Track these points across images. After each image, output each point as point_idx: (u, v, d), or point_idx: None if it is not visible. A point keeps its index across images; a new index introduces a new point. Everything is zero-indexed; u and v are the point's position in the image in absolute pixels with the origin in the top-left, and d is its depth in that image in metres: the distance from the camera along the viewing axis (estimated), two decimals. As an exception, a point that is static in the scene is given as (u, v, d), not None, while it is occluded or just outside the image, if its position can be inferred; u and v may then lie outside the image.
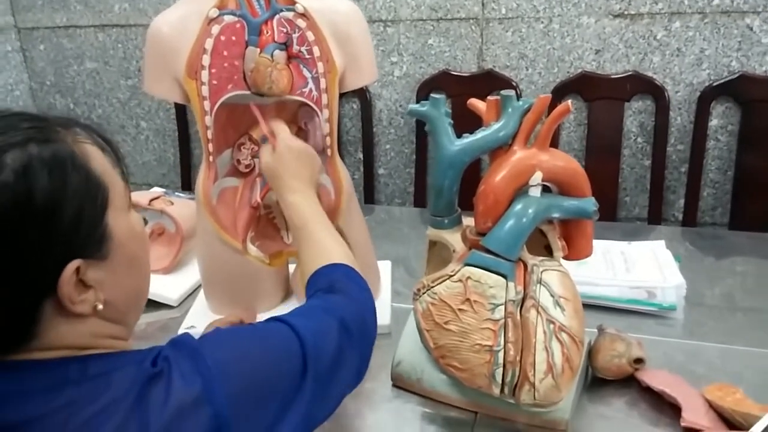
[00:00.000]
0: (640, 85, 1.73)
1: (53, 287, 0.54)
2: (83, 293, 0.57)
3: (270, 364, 0.62)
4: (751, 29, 1.64)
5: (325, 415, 0.67)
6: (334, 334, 0.69)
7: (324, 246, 0.86)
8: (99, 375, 0.56)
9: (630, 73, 1.73)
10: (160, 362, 0.57)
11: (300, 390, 0.62)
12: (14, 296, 0.53)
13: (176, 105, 2.14)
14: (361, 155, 2.01)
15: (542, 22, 1.77)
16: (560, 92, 1.76)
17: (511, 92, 0.89)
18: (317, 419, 0.66)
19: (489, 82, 1.80)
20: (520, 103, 0.88)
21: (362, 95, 1.93)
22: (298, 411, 0.62)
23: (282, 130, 1.00)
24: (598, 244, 0.96)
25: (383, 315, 1.17)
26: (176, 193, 1.49)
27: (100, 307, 0.58)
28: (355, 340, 0.71)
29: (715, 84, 1.68)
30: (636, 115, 1.78)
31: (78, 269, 0.55)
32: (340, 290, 0.77)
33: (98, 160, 0.59)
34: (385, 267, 1.31)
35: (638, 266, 1.25)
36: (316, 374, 0.64)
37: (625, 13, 1.71)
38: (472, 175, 0.93)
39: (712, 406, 0.89)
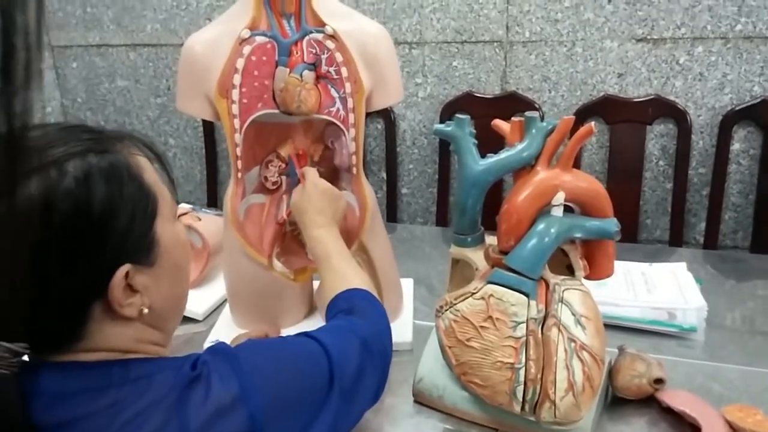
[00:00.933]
0: (663, 108, 1.74)
1: (104, 290, 0.57)
2: (131, 297, 0.60)
3: (301, 375, 0.65)
4: (774, 54, 1.65)
5: (348, 427, 0.70)
6: (356, 352, 0.72)
7: (344, 274, 0.91)
8: (140, 378, 0.58)
9: (652, 96, 1.74)
10: (199, 366, 0.60)
11: (327, 402, 0.66)
12: (68, 297, 0.56)
13: (204, 123, 2.18)
14: (384, 174, 2.03)
15: (566, 46, 1.79)
16: (583, 115, 1.77)
17: (535, 113, 0.91)
18: (342, 431, 0.68)
19: (512, 104, 1.82)
20: (544, 124, 0.90)
21: (386, 115, 1.96)
22: (324, 422, 0.65)
23: (311, 172, 1.06)
24: (619, 265, 0.97)
25: (405, 331, 1.18)
26: (203, 209, 1.52)
27: (146, 311, 0.61)
28: (375, 359, 0.75)
29: (737, 108, 1.69)
30: (658, 138, 1.79)
31: (127, 274, 0.58)
32: (359, 312, 0.81)
33: (149, 172, 0.63)
34: (407, 284, 1.32)
35: (659, 287, 1.25)
36: (342, 388, 0.67)
37: (648, 37, 1.72)
38: (494, 194, 0.94)
39: (732, 427, 0.89)
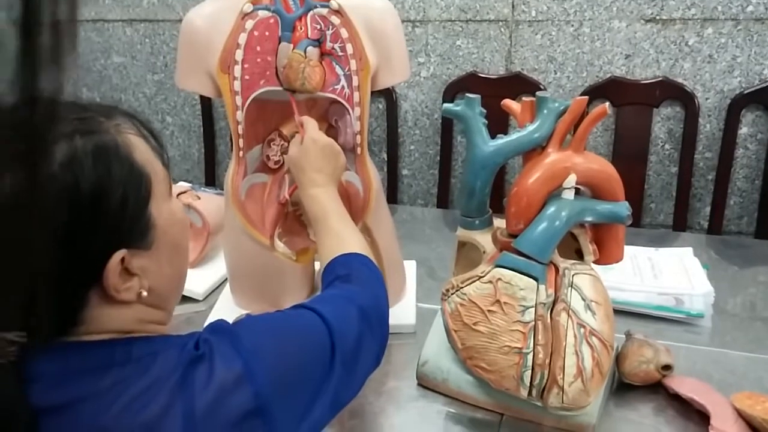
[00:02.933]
0: (670, 91, 1.71)
1: (99, 277, 0.55)
2: (128, 281, 0.58)
3: (303, 349, 0.64)
4: (785, 37, 1.62)
5: (350, 397, 0.69)
6: (354, 320, 0.71)
7: (342, 237, 0.88)
8: (143, 357, 0.57)
9: (660, 78, 1.71)
10: (201, 345, 0.59)
11: (330, 374, 0.65)
12: (62, 286, 0.54)
13: (202, 101, 2.15)
14: (385, 155, 2.00)
15: (572, 26, 1.76)
16: (589, 96, 1.71)
17: (547, 93, 0.89)
18: (343, 401, 0.68)
19: (517, 84, 1.79)
20: (556, 104, 0.88)
21: (388, 95, 1.93)
22: (328, 394, 0.64)
23: (311, 124, 1.00)
24: (625, 250, 0.95)
25: (408, 314, 1.17)
26: (203, 188, 1.50)
27: (145, 294, 0.59)
28: (374, 326, 0.74)
29: (746, 92, 1.66)
30: (665, 121, 1.76)
31: (123, 258, 0.56)
32: (356, 279, 0.79)
33: (141, 150, 0.59)
34: (410, 267, 1.31)
35: (666, 273, 1.24)
36: (343, 358, 0.66)
37: (657, 18, 1.69)
38: (497, 177, 0.92)
39: (741, 415, 0.88)
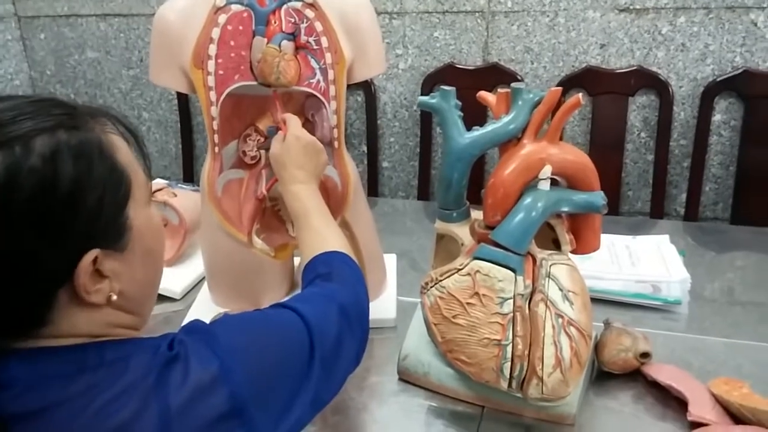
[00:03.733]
0: (645, 79, 1.72)
1: (70, 275, 0.54)
2: (99, 283, 0.57)
3: (281, 349, 0.64)
4: (756, 25, 1.64)
5: (330, 396, 0.69)
6: (334, 319, 0.71)
7: (322, 234, 0.88)
8: (116, 360, 0.56)
9: (634, 67, 1.73)
10: (176, 346, 0.58)
11: (309, 373, 0.65)
12: (31, 282, 0.53)
13: (178, 96, 2.12)
14: (365, 148, 2.00)
15: (548, 16, 1.76)
16: (565, 86, 1.75)
17: (522, 84, 0.89)
18: (324, 401, 0.68)
19: (494, 75, 1.79)
20: (531, 95, 0.88)
21: (367, 88, 1.92)
22: (307, 393, 0.64)
23: (294, 121, 1.00)
24: (603, 238, 0.96)
25: (389, 308, 1.17)
26: (179, 185, 1.48)
27: (114, 297, 0.58)
28: (354, 325, 0.74)
29: (719, 79, 1.68)
30: (640, 109, 1.77)
31: (95, 259, 0.55)
32: (336, 277, 0.79)
33: (123, 152, 0.59)
34: (390, 260, 1.30)
35: (643, 260, 1.25)
36: (322, 357, 0.66)
37: (631, 7, 1.70)
38: (476, 168, 0.92)
39: (718, 401, 0.89)
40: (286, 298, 0.73)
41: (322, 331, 0.67)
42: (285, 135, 0.98)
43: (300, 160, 0.95)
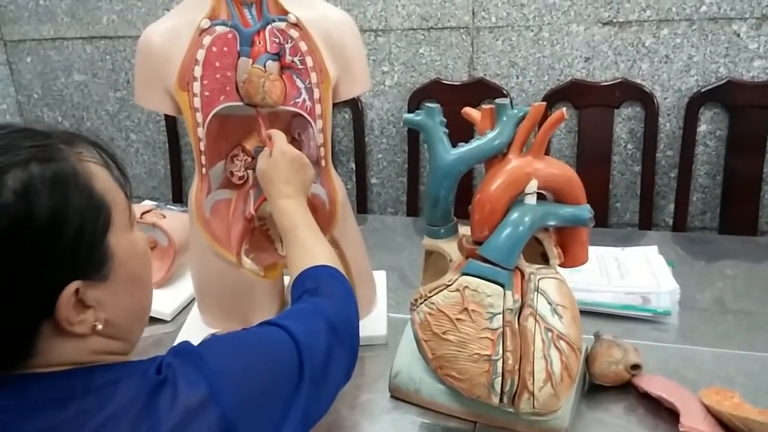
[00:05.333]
0: (630, 92, 1.74)
1: (52, 308, 0.53)
2: (82, 314, 0.56)
3: (270, 367, 0.63)
4: (738, 35, 1.66)
5: (320, 413, 0.69)
6: (323, 335, 0.71)
7: (310, 249, 0.88)
8: (104, 386, 0.56)
9: (619, 80, 1.74)
10: (164, 370, 0.58)
11: (298, 390, 0.64)
12: (12, 317, 0.52)
13: (166, 117, 2.12)
14: (353, 165, 2.00)
15: (532, 31, 1.78)
16: (551, 100, 1.77)
17: (506, 100, 0.89)
18: (314, 418, 0.67)
19: (480, 90, 1.80)
20: (515, 111, 0.88)
21: (354, 105, 1.93)
22: (297, 411, 0.63)
23: (279, 137, 1.01)
24: (591, 251, 0.96)
25: (380, 326, 1.17)
26: (168, 206, 1.48)
27: (100, 327, 0.57)
28: (343, 340, 0.73)
29: (703, 90, 1.69)
30: (626, 121, 1.79)
31: (77, 290, 0.54)
32: (325, 292, 0.79)
33: (101, 179, 0.58)
34: (380, 277, 1.30)
35: (632, 272, 1.26)
36: (311, 374, 0.66)
37: (614, 20, 1.72)
38: (464, 183, 0.93)
39: (709, 411, 0.89)
40: (274, 317, 0.73)
41: (310, 348, 0.67)
42: (271, 151, 0.98)
43: (287, 175, 0.96)
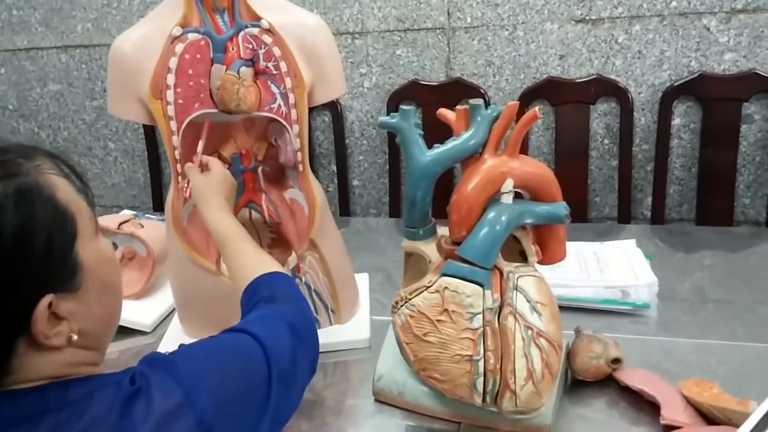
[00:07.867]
0: (604, 87, 1.75)
1: (26, 324, 0.53)
2: (57, 326, 0.56)
3: (242, 370, 0.65)
4: (709, 30, 1.68)
5: (290, 411, 0.70)
6: (286, 336, 0.73)
7: (258, 256, 0.91)
8: (79, 399, 0.55)
9: (594, 76, 1.76)
10: (138, 379, 0.58)
11: (269, 392, 0.66)
12: None
13: (144, 125, 2.11)
14: (334, 167, 2.00)
15: (507, 30, 1.79)
16: (527, 98, 1.78)
17: (480, 101, 0.90)
18: (285, 416, 0.69)
19: (458, 90, 1.81)
20: (489, 111, 0.89)
21: (333, 108, 1.93)
22: (269, 413, 0.65)
23: (214, 161, 1.03)
24: (571, 246, 0.97)
25: (362, 329, 1.17)
26: (146, 215, 1.47)
27: (75, 337, 0.57)
28: (305, 339, 0.76)
29: (676, 84, 1.71)
30: (602, 117, 1.80)
31: (50, 303, 0.54)
32: (280, 297, 0.81)
33: (64, 190, 0.58)
34: (362, 280, 1.30)
35: (611, 266, 1.27)
36: (280, 375, 0.67)
37: (587, 18, 1.73)
38: (444, 184, 0.93)
39: (690, 402, 0.90)
40: (237, 323, 0.75)
41: (277, 350, 0.69)
42: (201, 167, 1.01)
43: (221, 189, 0.99)
